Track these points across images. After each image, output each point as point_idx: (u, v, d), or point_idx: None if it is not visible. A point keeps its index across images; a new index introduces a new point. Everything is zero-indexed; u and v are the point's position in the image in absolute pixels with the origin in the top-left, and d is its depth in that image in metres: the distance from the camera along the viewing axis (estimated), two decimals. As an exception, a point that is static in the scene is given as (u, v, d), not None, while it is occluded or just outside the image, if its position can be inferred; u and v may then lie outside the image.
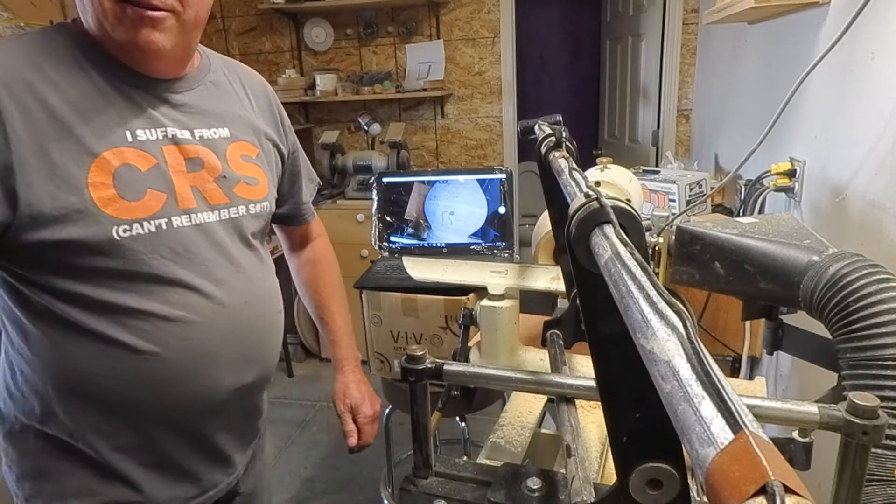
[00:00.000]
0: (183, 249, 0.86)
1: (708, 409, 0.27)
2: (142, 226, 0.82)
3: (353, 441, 1.20)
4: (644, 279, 0.39)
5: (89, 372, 0.84)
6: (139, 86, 0.85)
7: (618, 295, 0.40)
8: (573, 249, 0.50)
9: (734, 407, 0.27)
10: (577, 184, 0.63)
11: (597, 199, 0.49)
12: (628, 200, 1.24)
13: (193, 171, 0.89)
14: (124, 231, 0.80)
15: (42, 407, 0.86)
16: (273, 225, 1.18)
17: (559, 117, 1.03)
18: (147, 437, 0.89)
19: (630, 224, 0.49)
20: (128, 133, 0.82)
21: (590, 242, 0.48)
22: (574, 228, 0.49)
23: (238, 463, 1.04)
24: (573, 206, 0.51)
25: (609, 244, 0.45)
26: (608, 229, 0.47)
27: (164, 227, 0.84)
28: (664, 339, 0.33)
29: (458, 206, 2.19)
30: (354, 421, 1.20)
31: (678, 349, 0.32)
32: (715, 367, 0.30)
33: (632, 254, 0.42)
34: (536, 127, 1.03)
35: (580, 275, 0.51)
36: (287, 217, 1.20)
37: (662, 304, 0.36)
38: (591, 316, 0.52)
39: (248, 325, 0.95)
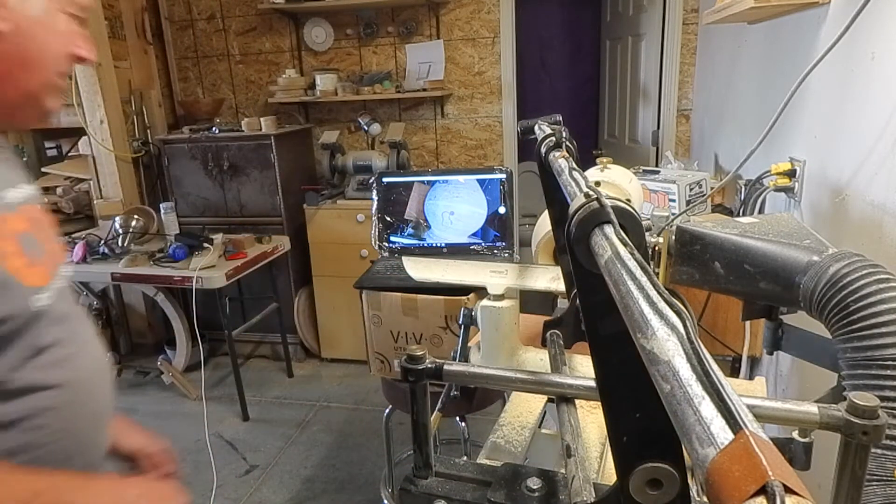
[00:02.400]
0: (63, 314, 0.81)
1: (708, 409, 0.27)
2: (42, 292, 0.77)
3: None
4: (644, 279, 0.39)
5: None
6: None
7: (618, 295, 0.40)
8: (573, 249, 0.50)
9: (734, 407, 0.27)
10: (577, 184, 0.63)
11: (597, 199, 0.49)
12: (628, 200, 1.23)
13: (46, 232, 0.84)
14: (36, 301, 0.75)
15: None
16: None
17: (559, 117, 1.03)
18: None
19: (630, 224, 0.48)
20: (6, 195, 0.75)
21: (590, 242, 0.48)
22: (574, 228, 0.49)
23: None
24: (573, 206, 0.51)
25: (609, 244, 0.45)
26: (608, 229, 0.47)
27: (54, 290, 0.80)
28: (664, 339, 0.33)
29: (458, 206, 2.19)
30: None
31: (678, 349, 0.32)
32: (715, 367, 0.30)
33: (632, 254, 0.42)
34: (536, 127, 1.03)
35: (580, 275, 0.51)
36: None
37: (662, 305, 0.36)
38: (591, 316, 0.52)
39: (109, 378, 0.92)
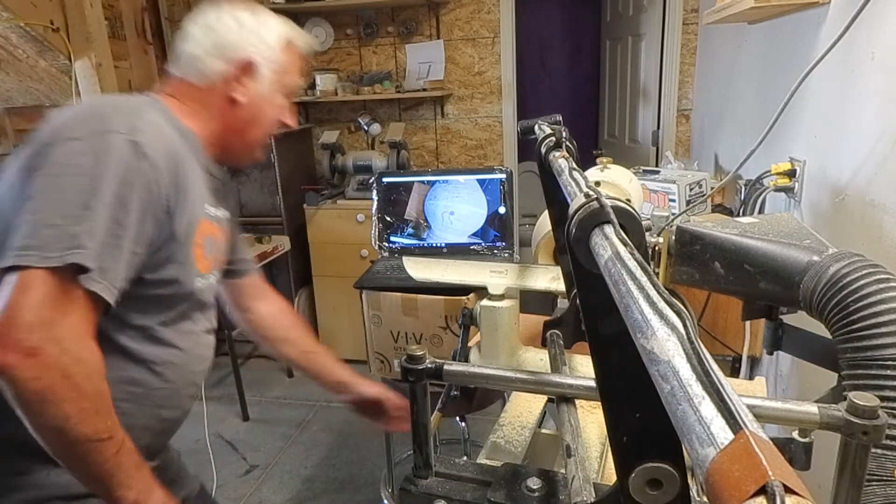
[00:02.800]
0: (205, 302, 1.05)
1: (708, 409, 0.27)
2: (203, 280, 1.00)
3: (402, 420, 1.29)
4: (644, 279, 0.39)
5: (124, 391, 0.93)
6: (208, 171, 1.04)
7: (618, 295, 0.40)
8: (573, 249, 0.50)
9: (734, 407, 0.27)
10: (577, 184, 0.63)
11: (597, 199, 0.49)
12: (628, 200, 1.24)
13: (218, 243, 1.07)
14: (198, 282, 0.99)
15: None
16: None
17: (559, 117, 1.03)
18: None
19: (630, 224, 0.48)
20: (206, 207, 1.01)
21: (590, 242, 0.48)
22: (574, 228, 0.49)
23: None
24: (573, 206, 0.51)
25: (609, 244, 0.45)
26: (608, 229, 0.47)
27: (208, 283, 1.03)
28: (664, 339, 0.33)
29: (458, 206, 2.19)
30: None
31: (678, 349, 0.32)
32: (715, 367, 0.30)
33: (632, 254, 0.42)
34: (536, 127, 1.03)
35: (580, 275, 0.51)
36: (235, 272, 1.29)
37: (662, 304, 0.36)
38: (591, 316, 0.52)
39: (209, 361, 1.13)
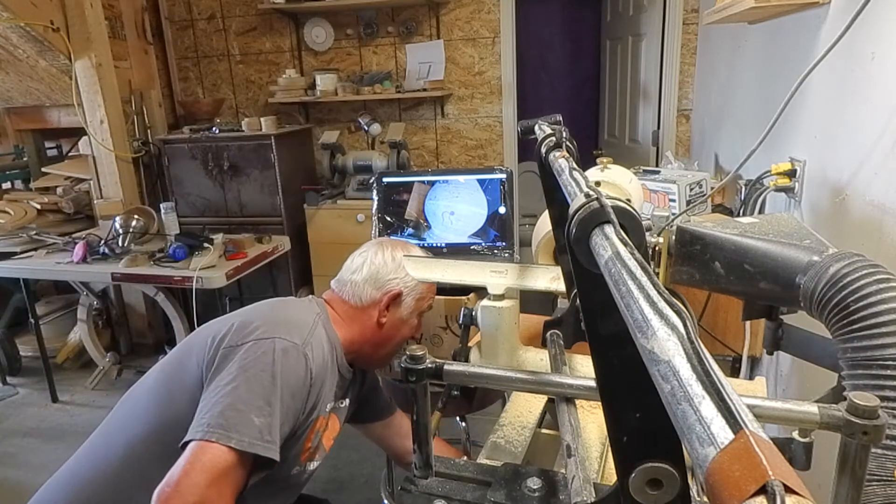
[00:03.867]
0: (297, 485, 1.17)
1: (708, 408, 0.27)
2: (300, 468, 1.12)
3: None
4: (644, 279, 0.39)
5: None
6: (342, 370, 1.18)
7: (618, 295, 0.40)
8: (573, 249, 0.50)
9: (734, 407, 0.27)
10: (578, 184, 0.63)
11: (597, 198, 0.49)
12: (628, 200, 1.23)
13: (328, 431, 1.18)
14: (294, 471, 1.10)
15: None
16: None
17: (559, 117, 1.03)
18: None
19: (630, 224, 0.48)
20: (330, 403, 1.14)
21: (590, 242, 0.48)
22: (574, 228, 0.49)
23: None
24: (573, 206, 0.51)
25: (609, 244, 0.45)
26: (608, 229, 0.47)
27: (304, 470, 1.15)
28: (664, 338, 0.33)
29: (458, 206, 2.19)
30: None
31: (678, 349, 0.32)
32: (715, 366, 0.30)
33: (632, 254, 0.42)
34: (536, 127, 1.03)
35: (580, 275, 0.51)
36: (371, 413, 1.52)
37: (662, 304, 0.36)
38: (591, 316, 0.52)
39: None
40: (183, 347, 1.12)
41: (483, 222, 2.16)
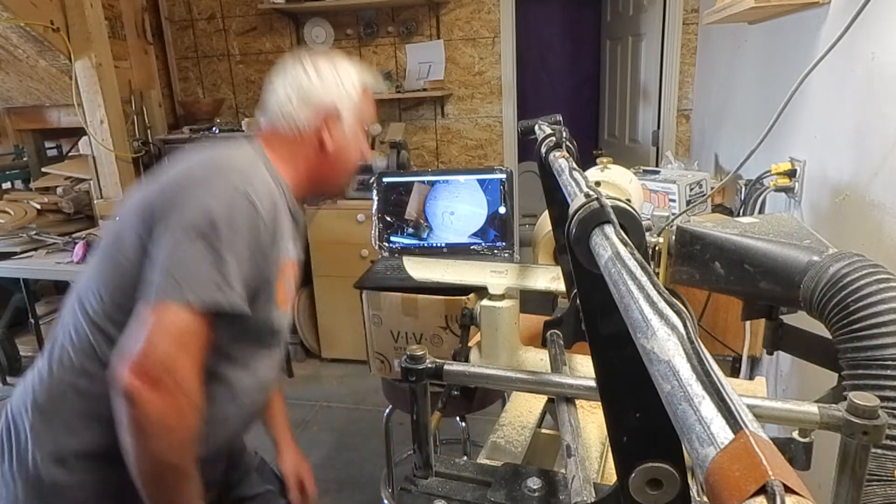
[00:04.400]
0: (280, 330, 1.11)
1: (708, 408, 0.27)
2: (281, 316, 1.08)
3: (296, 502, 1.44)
4: (644, 279, 0.39)
5: (217, 414, 1.01)
6: (292, 212, 1.11)
7: (618, 295, 0.40)
8: (573, 249, 0.50)
9: (734, 407, 0.27)
10: (578, 184, 0.63)
11: (597, 198, 0.49)
12: (628, 200, 1.23)
13: (292, 286, 1.13)
14: (277, 318, 1.06)
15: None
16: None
17: (559, 117, 1.03)
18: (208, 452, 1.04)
19: (630, 224, 0.48)
20: (289, 247, 1.08)
21: (590, 242, 0.48)
22: (574, 228, 0.49)
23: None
24: (573, 206, 0.51)
25: (609, 244, 0.45)
26: (608, 229, 0.47)
27: (285, 317, 1.11)
28: (664, 338, 0.33)
29: (458, 206, 2.19)
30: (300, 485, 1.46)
31: (678, 349, 0.32)
32: (715, 366, 0.30)
33: (632, 254, 0.42)
34: (536, 127, 1.03)
35: (580, 275, 0.51)
36: None
37: (662, 304, 0.36)
38: (591, 316, 0.52)
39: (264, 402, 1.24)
40: (117, 222, 1.02)
41: (483, 222, 2.16)
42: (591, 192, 0.51)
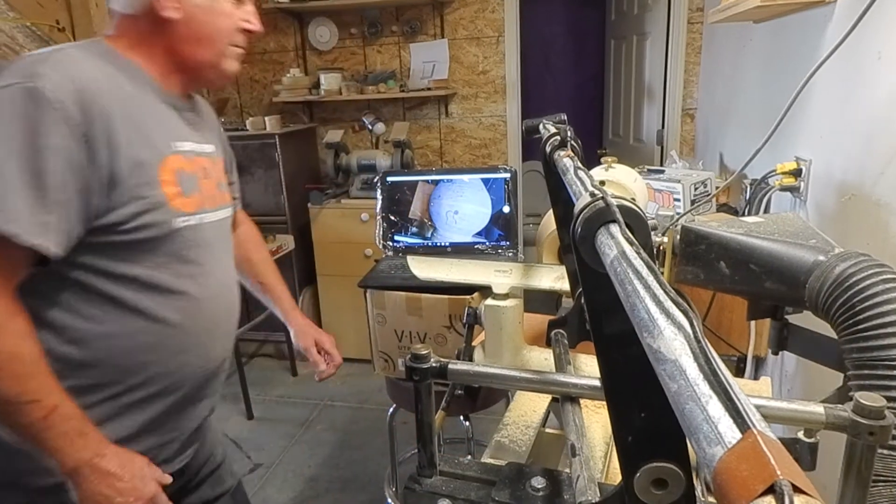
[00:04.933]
0: (204, 241, 1.02)
1: (716, 408, 0.27)
2: (189, 219, 0.98)
3: (323, 367, 1.40)
4: (650, 278, 0.39)
5: (136, 343, 0.95)
6: (171, 105, 1.01)
7: (624, 294, 0.40)
8: (578, 248, 0.50)
9: (742, 406, 0.27)
10: (583, 183, 0.63)
11: (602, 197, 0.49)
12: (633, 199, 1.23)
13: (207, 179, 1.06)
14: (180, 222, 0.96)
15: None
16: None
17: (564, 116, 1.03)
18: (154, 397, 1.00)
19: (636, 223, 0.48)
20: (175, 143, 0.99)
21: (595, 241, 0.48)
22: (580, 227, 0.49)
23: (206, 427, 1.19)
24: (579, 206, 0.51)
25: (615, 243, 0.45)
26: (614, 228, 0.47)
27: (200, 221, 1.01)
28: (671, 338, 0.33)
29: (462, 206, 2.19)
30: (319, 352, 1.41)
31: (685, 348, 0.32)
32: (722, 366, 0.30)
33: (638, 253, 0.42)
34: (541, 126, 1.02)
35: (585, 274, 0.51)
36: None
37: (669, 304, 0.36)
38: (596, 315, 0.52)
39: (234, 303, 1.13)
40: None
41: (487, 221, 2.16)
42: (596, 191, 0.51)
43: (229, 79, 1.07)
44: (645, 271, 0.39)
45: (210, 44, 0.99)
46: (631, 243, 0.44)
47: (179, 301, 0.98)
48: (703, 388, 0.29)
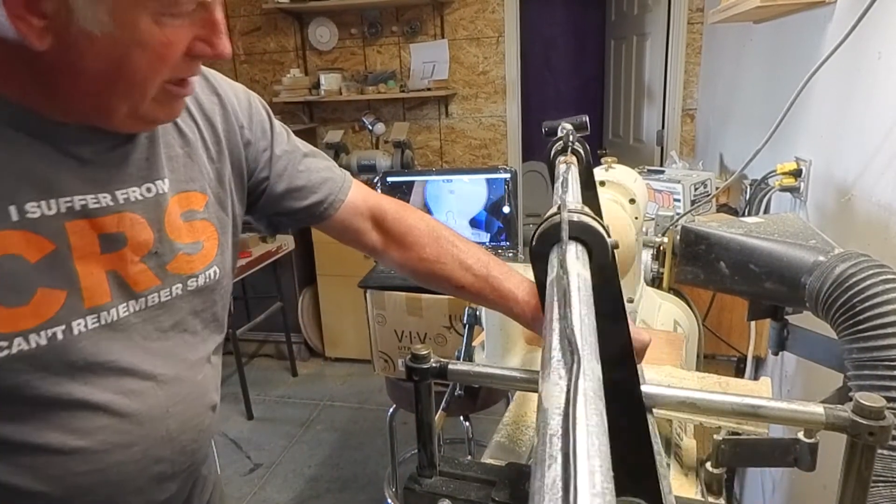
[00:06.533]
0: (84, 362, 0.65)
1: (553, 473, 0.25)
2: (27, 340, 0.60)
3: None
4: (576, 306, 0.36)
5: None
6: (37, 134, 0.61)
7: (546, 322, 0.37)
8: (534, 266, 0.48)
9: (574, 479, 0.24)
10: (560, 192, 0.59)
11: (558, 212, 0.46)
12: (632, 200, 1.23)
13: (111, 252, 0.66)
14: (19, 345, 0.60)
15: None
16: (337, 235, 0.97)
17: (585, 119, 0.94)
18: None
19: (594, 241, 0.45)
20: (13, 209, 0.59)
21: (549, 259, 0.45)
22: (534, 242, 0.47)
23: None
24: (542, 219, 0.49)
25: (556, 265, 0.42)
26: (568, 248, 0.43)
27: (59, 336, 0.63)
28: (554, 382, 0.30)
29: (462, 206, 2.19)
30: None
31: (560, 398, 0.29)
32: (584, 428, 0.27)
33: (569, 281, 0.39)
34: (560, 129, 1.01)
35: (541, 292, 0.49)
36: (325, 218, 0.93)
37: (567, 341, 0.33)
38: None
39: (169, 438, 0.74)
40: None
41: (487, 221, 2.16)
42: (563, 203, 0.48)
43: (153, 126, 0.69)
44: (575, 297, 0.36)
45: (112, 87, 0.60)
46: (564, 271, 0.39)
47: (40, 462, 0.65)
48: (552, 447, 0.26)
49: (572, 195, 0.57)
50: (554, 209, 0.47)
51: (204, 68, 0.77)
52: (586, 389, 0.28)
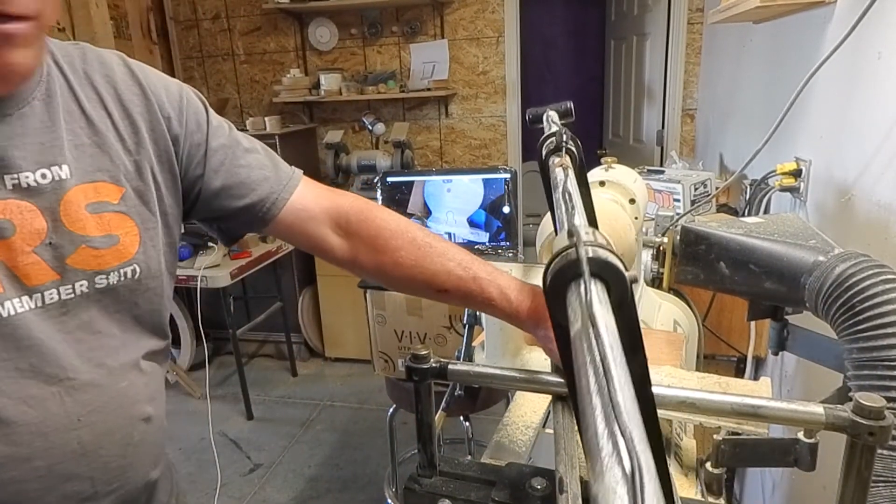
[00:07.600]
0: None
1: None
2: None
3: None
4: (614, 373, 0.30)
5: None
6: None
7: (579, 388, 0.31)
8: (550, 305, 0.42)
9: None
10: (567, 210, 0.53)
11: (574, 245, 0.40)
12: (632, 200, 1.23)
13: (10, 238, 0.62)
14: None
15: None
16: (294, 242, 0.88)
17: (570, 105, 0.91)
18: None
19: (612, 277, 0.39)
20: None
21: (567, 298, 0.40)
22: (549, 279, 0.41)
23: None
24: (555, 249, 0.43)
25: (580, 310, 0.36)
26: (585, 287, 0.38)
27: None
28: (611, 484, 0.24)
29: (462, 206, 2.19)
30: None
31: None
32: None
33: (599, 331, 0.33)
34: (545, 117, 1.01)
35: (559, 333, 0.45)
36: (270, 220, 0.83)
37: (618, 424, 0.26)
38: (571, 379, 0.46)
39: (83, 453, 0.67)
40: None
41: (487, 222, 2.16)
42: (574, 231, 0.41)
43: (9, 78, 0.61)
44: (611, 360, 0.30)
45: None
46: (591, 319, 0.34)
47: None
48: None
49: (579, 217, 0.51)
50: (564, 238, 0.41)
51: (134, 63, 0.76)
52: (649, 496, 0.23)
